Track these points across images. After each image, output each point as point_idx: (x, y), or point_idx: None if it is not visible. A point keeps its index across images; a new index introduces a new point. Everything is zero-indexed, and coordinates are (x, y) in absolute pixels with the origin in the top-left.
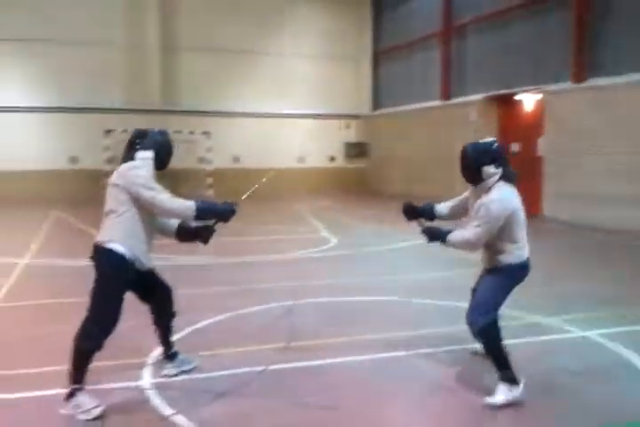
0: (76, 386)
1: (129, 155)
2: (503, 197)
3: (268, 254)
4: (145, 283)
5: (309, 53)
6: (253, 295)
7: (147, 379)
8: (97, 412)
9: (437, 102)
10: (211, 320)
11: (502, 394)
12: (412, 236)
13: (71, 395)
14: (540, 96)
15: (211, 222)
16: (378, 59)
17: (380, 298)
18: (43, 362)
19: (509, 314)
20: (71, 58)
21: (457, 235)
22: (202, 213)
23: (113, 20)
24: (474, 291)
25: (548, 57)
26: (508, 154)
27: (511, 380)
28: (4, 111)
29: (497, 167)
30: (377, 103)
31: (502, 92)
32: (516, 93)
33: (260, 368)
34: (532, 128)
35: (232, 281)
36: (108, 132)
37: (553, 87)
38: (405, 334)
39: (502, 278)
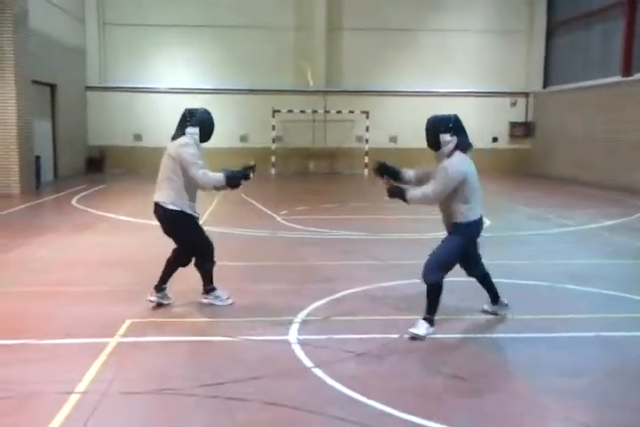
0: (213, 285)
1: (181, 130)
2: (459, 162)
3: (418, 233)
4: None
5: (475, 28)
6: (398, 270)
7: (293, 335)
8: (230, 300)
9: (617, 78)
10: (356, 289)
11: (423, 329)
12: (570, 221)
13: (211, 290)
14: None
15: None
16: (551, 32)
17: (527, 282)
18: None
19: None
20: (246, 43)
21: (416, 192)
22: (229, 180)
23: (284, 4)
24: None
25: None
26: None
27: (431, 321)
28: (186, 93)
29: (452, 136)
30: (548, 80)
31: None
32: None
33: (397, 335)
34: None
35: (379, 256)
36: (275, 112)
37: None
38: (544, 317)
39: (456, 238)
